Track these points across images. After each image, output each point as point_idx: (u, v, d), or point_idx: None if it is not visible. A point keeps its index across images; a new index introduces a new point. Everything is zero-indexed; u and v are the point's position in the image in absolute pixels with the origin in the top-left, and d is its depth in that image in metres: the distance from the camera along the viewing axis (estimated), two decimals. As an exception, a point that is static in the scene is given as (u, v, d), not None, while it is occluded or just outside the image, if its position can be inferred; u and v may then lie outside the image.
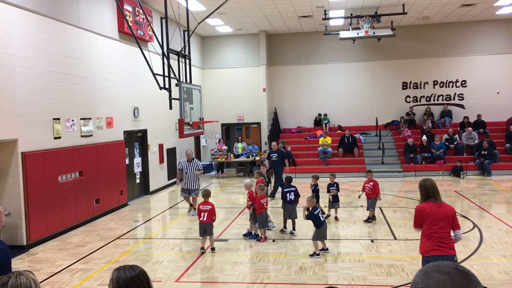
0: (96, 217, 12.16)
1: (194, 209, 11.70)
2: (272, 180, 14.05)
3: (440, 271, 1.38)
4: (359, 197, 11.47)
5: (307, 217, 8.69)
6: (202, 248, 9.02)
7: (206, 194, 9.24)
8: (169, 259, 8.64)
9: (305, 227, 10.66)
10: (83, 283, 7.46)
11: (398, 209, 12.35)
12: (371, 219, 10.88)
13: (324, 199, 11.56)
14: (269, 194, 12.79)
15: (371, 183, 10.86)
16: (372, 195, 10.83)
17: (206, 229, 8.97)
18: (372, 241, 9.35)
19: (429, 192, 5.41)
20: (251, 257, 8.63)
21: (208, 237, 9.05)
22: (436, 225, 5.28)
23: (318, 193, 11.42)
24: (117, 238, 10.29)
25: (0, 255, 4.06)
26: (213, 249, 9.03)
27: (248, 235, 9.90)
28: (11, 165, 9.46)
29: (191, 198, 12.27)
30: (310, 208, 8.63)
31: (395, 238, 9.49)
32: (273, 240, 9.64)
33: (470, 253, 8.28)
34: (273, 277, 7.46)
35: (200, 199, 9.88)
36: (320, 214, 8.66)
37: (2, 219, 4.30)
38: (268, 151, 16.02)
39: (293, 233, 10.07)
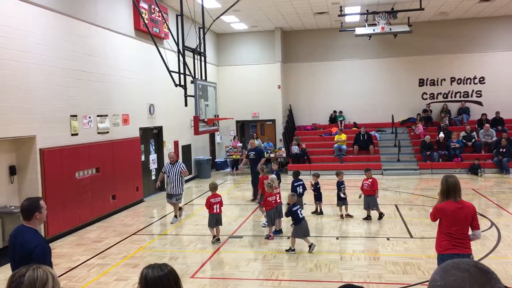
0: (112, 213, 12.29)
1: (176, 216, 11.36)
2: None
3: (459, 268, 1.36)
4: (359, 197, 11.04)
5: (286, 214, 8.87)
6: (215, 236, 9.38)
7: (214, 187, 9.70)
8: (184, 255, 8.70)
9: (320, 224, 10.64)
10: (100, 278, 7.55)
11: (414, 207, 12.24)
12: (382, 215, 10.82)
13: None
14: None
15: (370, 180, 10.76)
16: (371, 192, 10.73)
17: (217, 220, 9.44)
18: (387, 239, 9.28)
19: (450, 189, 5.25)
20: (266, 254, 8.63)
21: (215, 228, 9.47)
22: (455, 226, 5.20)
23: (320, 191, 11.50)
24: (133, 234, 10.39)
25: (37, 250, 4.14)
26: (219, 239, 9.39)
27: (276, 233, 9.81)
28: (29, 161, 9.61)
29: (173, 203, 11.39)
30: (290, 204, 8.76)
31: (411, 236, 9.41)
32: (288, 237, 9.62)
33: (488, 252, 8.18)
34: (288, 274, 7.46)
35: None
36: (299, 211, 8.64)
37: (44, 214, 4.39)
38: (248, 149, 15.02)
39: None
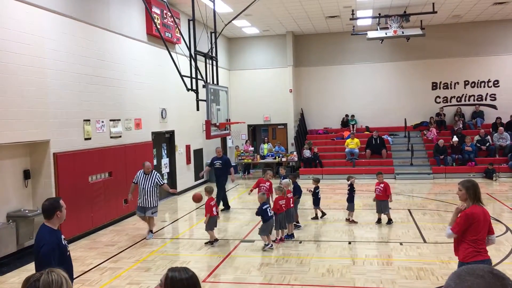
0: (125, 217, 12.35)
1: (151, 231, 10.37)
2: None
3: (474, 274, 1.34)
4: (374, 200, 11.08)
5: (257, 213, 9.29)
6: (212, 242, 9.54)
7: (211, 190, 9.92)
8: (196, 259, 8.70)
9: (332, 229, 10.59)
10: (112, 282, 7.58)
11: (428, 212, 12.12)
12: (391, 221, 10.74)
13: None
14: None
15: (382, 185, 10.70)
16: (383, 197, 10.67)
17: (215, 223, 9.70)
18: (401, 243, 9.19)
19: (478, 194, 5.10)
20: (278, 258, 8.61)
21: (213, 229, 9.68)
22: (482, 231, 5.05)
23: (318, 196, 11.49)
24: (145, 238, 10.41)
25: (43, 249, 4.30)
26: (216, 240, 9.67)
27: (288, 237, 9.82)
28: (43, 166, 9.71)
29: (147, 217, 10.36)
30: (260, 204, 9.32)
31: (425, 241, 9.31)
32: (300, 242, 9.59)
33: (503, 257, 8.06)
34: (300, 278, 7.42)
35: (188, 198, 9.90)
36: (268, 210, 9.21)
37: (64, 212, 4.57)
38: (212, 158, 13.70)
39: (299, 226, 10.74)
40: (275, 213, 9.58)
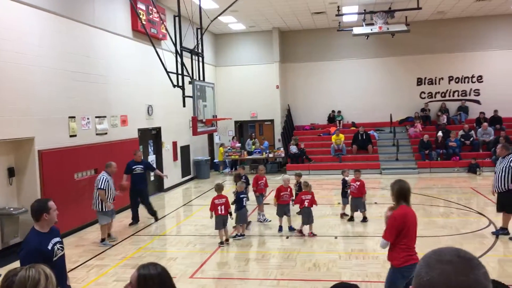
0: (112, 214, 12.25)
1: (109, 234, 9.92)
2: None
3: (442, 261, 1.36)
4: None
5: (234, 202, 9.77)
6: (222, 242, 9.22)
7: (220, 188, 9.48)
8: (183, 256, 8.71)
9: (318, 224, 10.67)
10: (99, 279, 7.56)
11: (413, 206, 12.18)
12: (365, 219, 10.67)
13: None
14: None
15: (358, 183, 10.64)
16: (358, 194, 10.61)
17: (224, 222, 9.24)
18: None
19: (406, 194, 5.01)
20: (265, 253, 8.65)
21: (223, 229, 9.30)
22: (413, 232, 4.97)
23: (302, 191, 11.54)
24: (132, 235, 10.40)
25: (21, 253, 4.21)
26: (227, 240, 9.35)
27: (289, 229, 10.03)
28: (28, 163, 9.61)
29: (110, 221, 9.94)
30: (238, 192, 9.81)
31: (410, 235, 9.41)
32: (287, 237, 9.64)
33: (486, 250, 8.19)
34: (287, 273, 7.47)
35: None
36: (244, 199, 9.70)
37: (53, 215, 4.42)
38: (129, 162, 11.57)
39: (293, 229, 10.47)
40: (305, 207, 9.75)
